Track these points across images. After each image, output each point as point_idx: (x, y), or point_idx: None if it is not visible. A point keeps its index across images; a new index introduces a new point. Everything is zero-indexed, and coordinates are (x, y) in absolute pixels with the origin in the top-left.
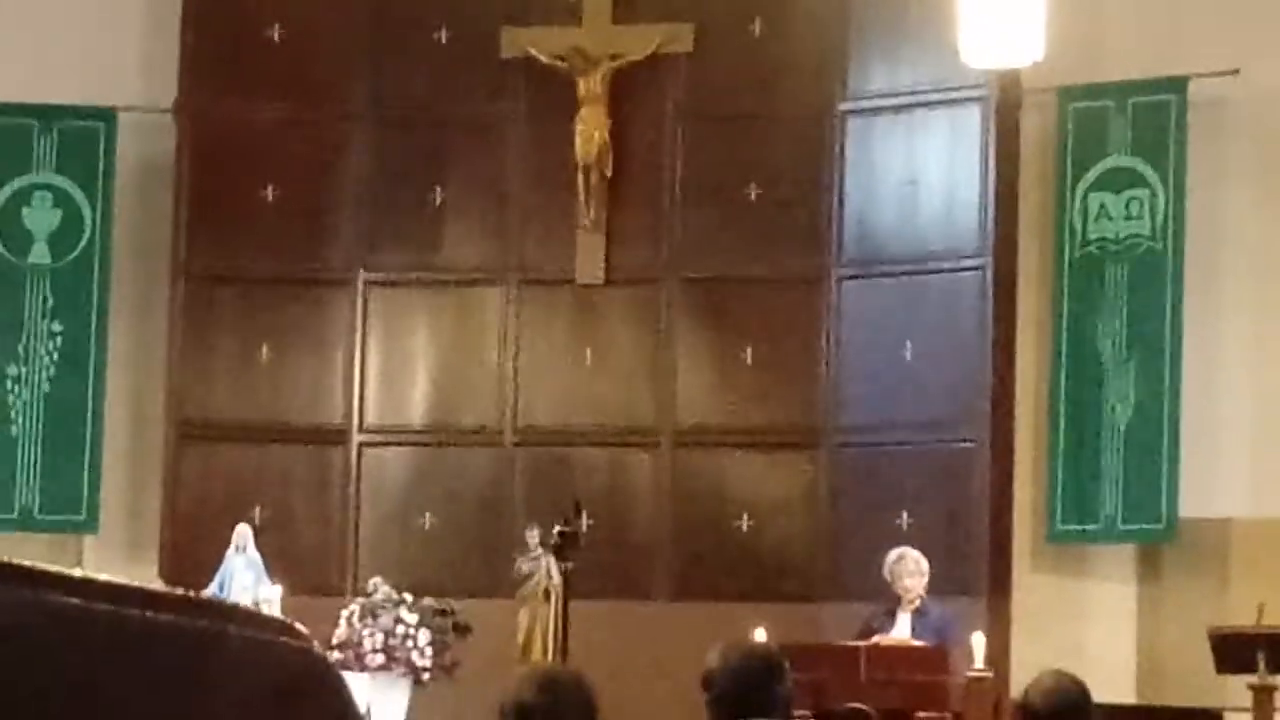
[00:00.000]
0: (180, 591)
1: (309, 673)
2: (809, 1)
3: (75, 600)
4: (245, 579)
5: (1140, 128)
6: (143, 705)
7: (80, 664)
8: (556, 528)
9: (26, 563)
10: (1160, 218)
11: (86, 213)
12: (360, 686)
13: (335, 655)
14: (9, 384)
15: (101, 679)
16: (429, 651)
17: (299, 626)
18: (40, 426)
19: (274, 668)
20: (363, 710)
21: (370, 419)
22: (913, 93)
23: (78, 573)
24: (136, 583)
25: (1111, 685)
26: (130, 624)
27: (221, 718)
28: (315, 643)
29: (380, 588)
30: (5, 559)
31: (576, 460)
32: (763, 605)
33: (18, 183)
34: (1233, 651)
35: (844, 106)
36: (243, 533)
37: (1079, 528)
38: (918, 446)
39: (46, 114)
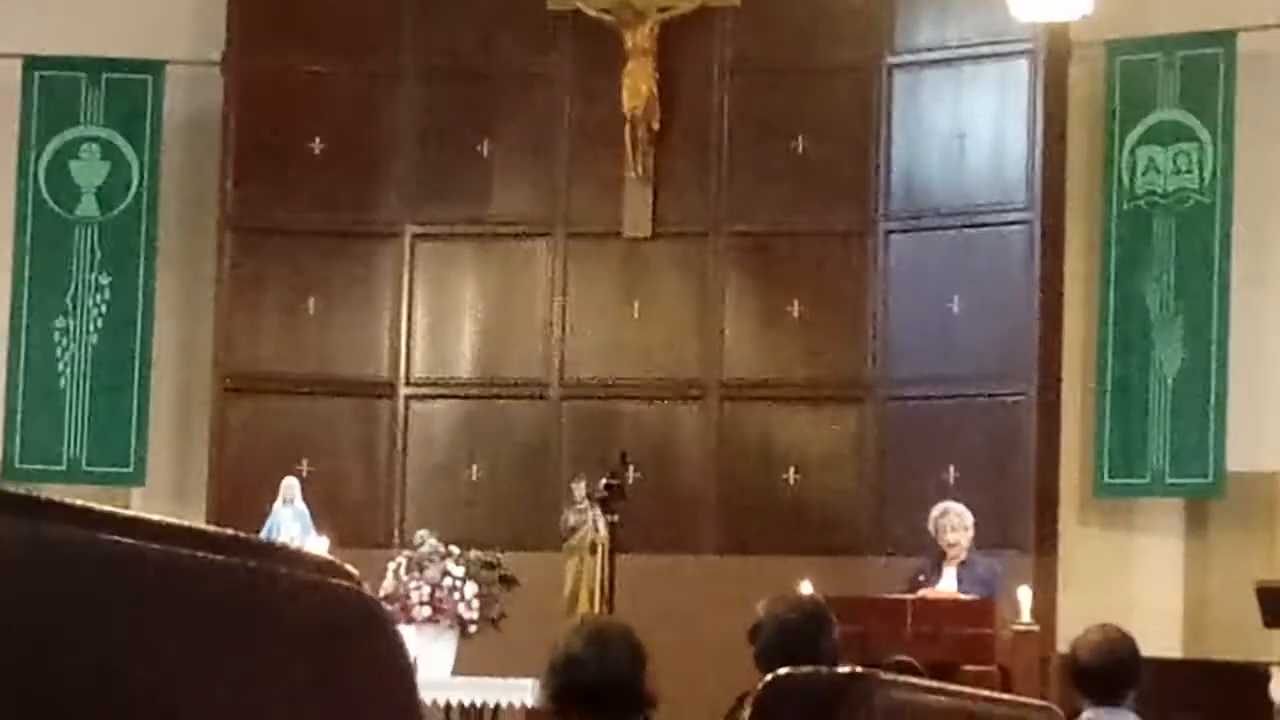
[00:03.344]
0: (230, 532)
1: (359, 613)
2: None
3: (126, 539)
4: (292, 531)
5: (1188, 81)
6: (193, 643)
7: (131, 603)
8: (603, 480)
9: (78, 502)
10: (1209, 171)
11: (134, 165)
12: (407, 638)
13: None
14: (57, 336)
15: (151, 617)
16: (475, 604)
17: (348, 567)
18: (88, 379)
19: (323, 607)
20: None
21: (417, 372)
22: (960, 46)
23: (128, 512)
24: (186, 523)
25: (1158, 639)
26: (180, 562)
27: (271, 656)
28: (365, 584)
29: (427, 540)
30: (55, 498)
31: (623, 413)
32: (809, 559)
33: (66, 135)
34: None
35: (892, 60)
36: (290, 485)
37: (1126, 481)
38: (965, 400)
39: (94, 67)
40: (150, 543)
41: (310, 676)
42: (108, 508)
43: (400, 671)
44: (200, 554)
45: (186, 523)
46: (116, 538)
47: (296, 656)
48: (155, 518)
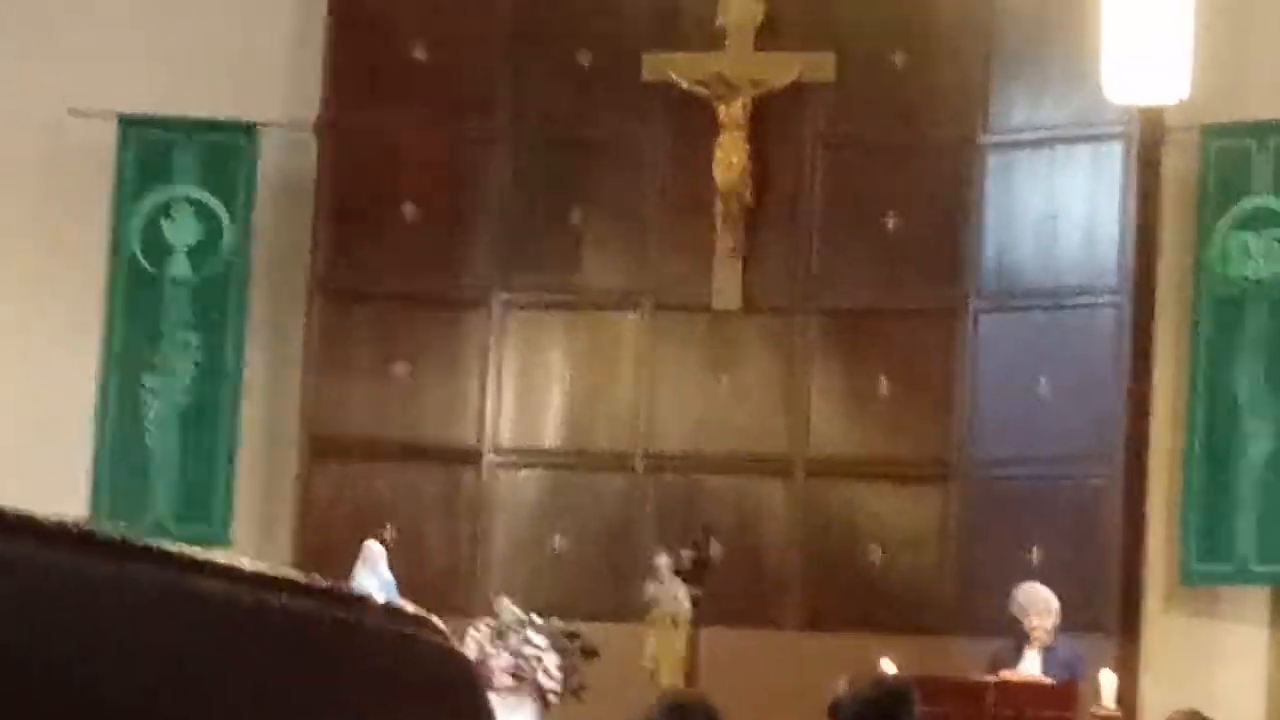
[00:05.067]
0: (322, 581)
1: (448, 669)
2: (952, 34)
3: (217, 584)
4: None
5: None
6: (280, 692)
7: (219, 647)
8: (686, 553)
9: (168, 545)
10: None
11: (226, 226)
12: None
13: None
14: (145, 395)
15: (241, 663)
16: (556, 674)
17: (438, 622)
18: (176, 438)
19: (413, 662)
20: None
21: (503, 440)
22: (1054, 128)
23: (221, 559)
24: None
25: None
26: (270, 609)
27: (357, 708)
28: (455, 641)
29: (509, 609)
30: (149, 541)
31: (708, 487)
32: (891, 637)
33: (160, 194)
34: None
35: (985, 140)
36: (373, 549)
37: (1212, 568)
38: (1051, 482)
39: (188, 127)
40: (242, 588)
41: None
42: (203, 553)
43: None
44: (290, 600)
45: (279, 571)
46: (209, 582)
47: (381, 709)
48: (250, 565)
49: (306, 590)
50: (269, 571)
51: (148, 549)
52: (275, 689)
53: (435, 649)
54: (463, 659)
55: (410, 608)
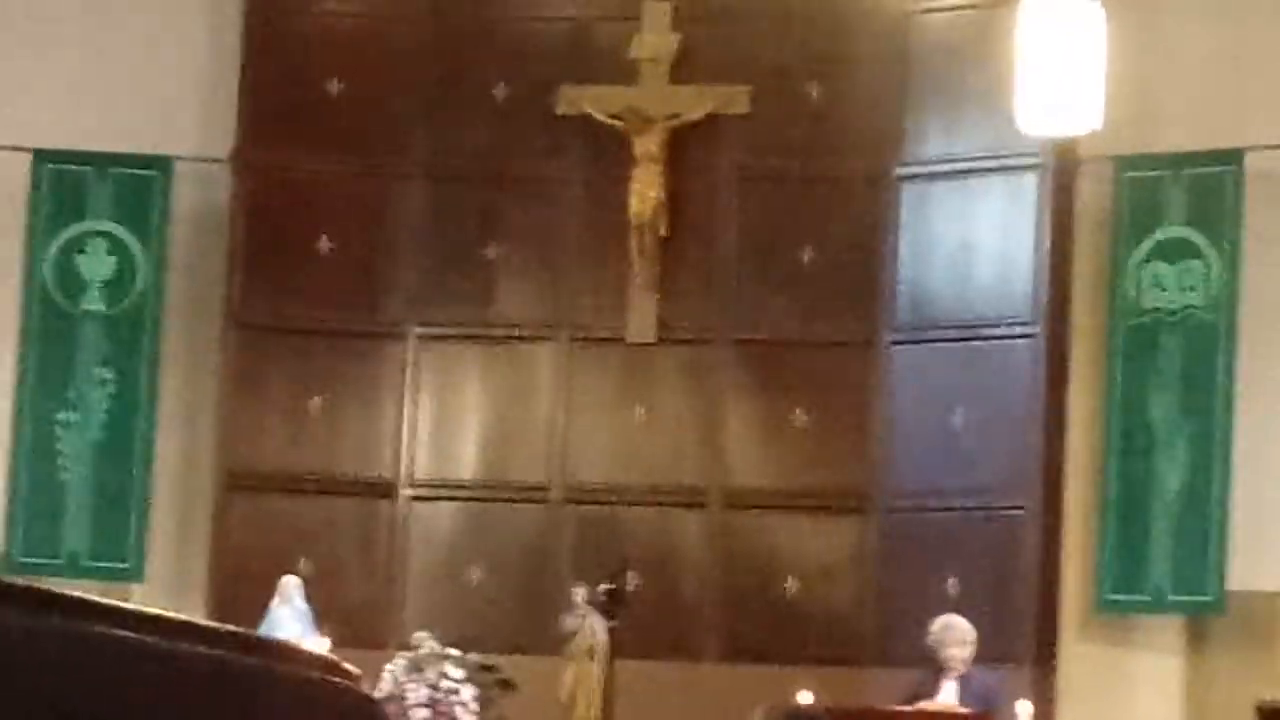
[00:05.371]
0: (231, 628)
1: (354, 711)
2: (866, 66)
3: (128, 634)
4: (292, 630)
5: (1195, 198)
6: None
7: (132, 697)
8: (603, 586)
9: (80, 594)
10: (1214, 289)
11: (140, 260)
12: None
13: None
14: (59, 430)
15: (154, 709)
16: (473, 707)
17: (348, 666)
18: (90, 473)
19: (322, 705)
20: None
21: (420, 473)
22: (968, 159)
23: (131, 606)
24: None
25: None
26: (181, 659)
27: None
28: (362, 681)
29: (426, 642)
30: (60, 590)
31: (625, 519)
32: (809, 668)
33: (73, 229)
34: None
35: (900, 172)
36: (289, 583)
37: (1127, 598)
38: (967, 513)
39: (102, 161)
40: (152, 637)
41: None
42: (112, 601)
43: None
44: (202, 649)
45: (188, 618)
46: (119, 632)
47: None
48: (159, 612)
49: (217, 637)
50: (180, 619)
51: (57, 598)
52: None
53: (342, 692)
54: (369, 701)
55: (318, 651)
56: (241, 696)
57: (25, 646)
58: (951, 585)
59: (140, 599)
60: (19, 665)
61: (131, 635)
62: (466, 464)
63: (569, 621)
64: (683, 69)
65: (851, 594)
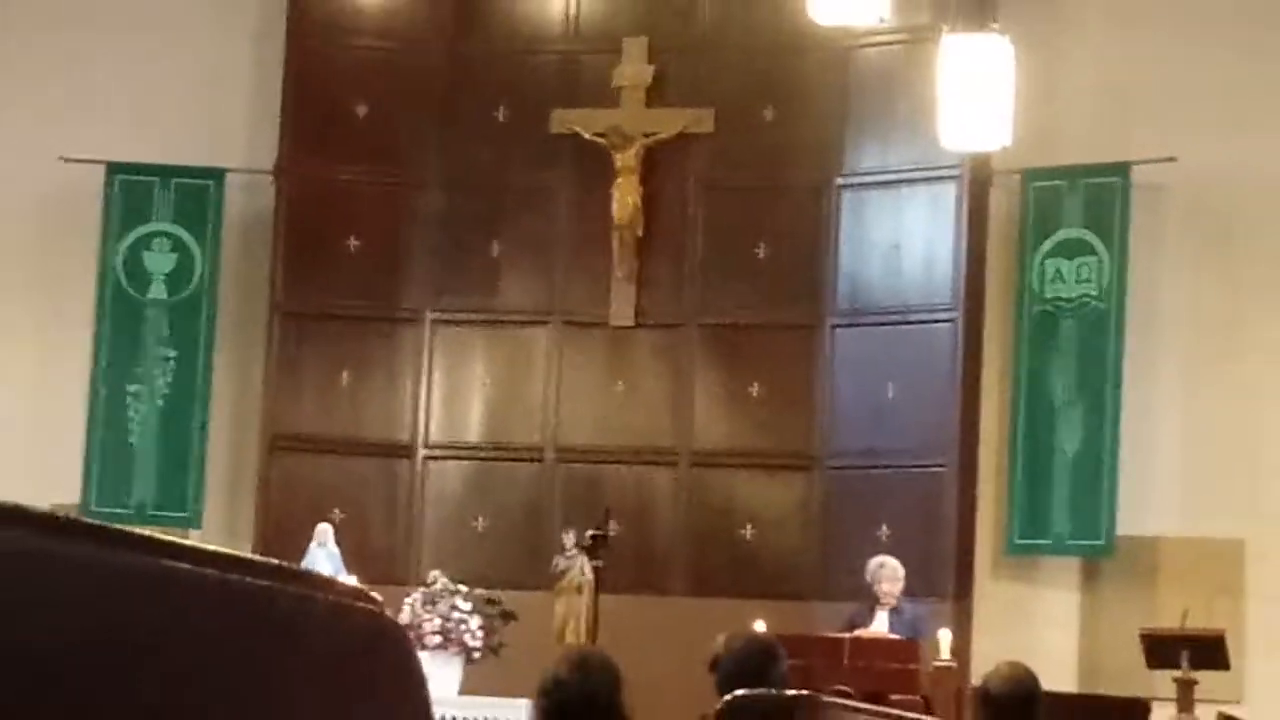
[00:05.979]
0: (276, 562)
1: (380, 632)
2: (813, 93)
3: (190, 566)
4: (326, 569)
5: (1090, 204)
6: (245, 653)
7: (194, 617)
8: (589, 531)
9: (143, 531)
10: (1106, 281)
11: (197, 257)
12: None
13: None
14: (129, 400)
15: (209, 631)
16: (479, 634)
17: (373, 594)
18: (154, 436)
19: (352, 628)
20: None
21: (433, 436)
22: (899, 171)
23: (188, 542)
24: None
25: (1057, 677)
26: (235, 587)
27: (308, 672)
28: (386, 608)
29: (439, 579)
30: (124, 528)
31: (607, 476)
32: (763, 602)
33: (140, 230)
34: (1160, 650)
35: (840, 181)
36: (323, 529)
37: (1032, 542)
38: (897, 470)
39: (165, 172)
40: (210, 570)
41: (341, 685)
42: (168, 537)
43: (418, 680)
44: (250, 579)
45: (237, 552)
46: (182, 564)
47: (330, 668)
48: (216, 549)
49: (264, 570)
50: (229, 553)
51: (128, 535)
52: (240, 652)
53: (371, 615)
54: (392, 623)
55: (350, 582)
56: (287, 618)
57: (101, 576)
58: (884, 532)
59: (197, 542)
60: (97, 592)
61: (193, 568)
62: (473, 429)
63: (560, 562)
64: (657, 94)
65: (799, 539)
